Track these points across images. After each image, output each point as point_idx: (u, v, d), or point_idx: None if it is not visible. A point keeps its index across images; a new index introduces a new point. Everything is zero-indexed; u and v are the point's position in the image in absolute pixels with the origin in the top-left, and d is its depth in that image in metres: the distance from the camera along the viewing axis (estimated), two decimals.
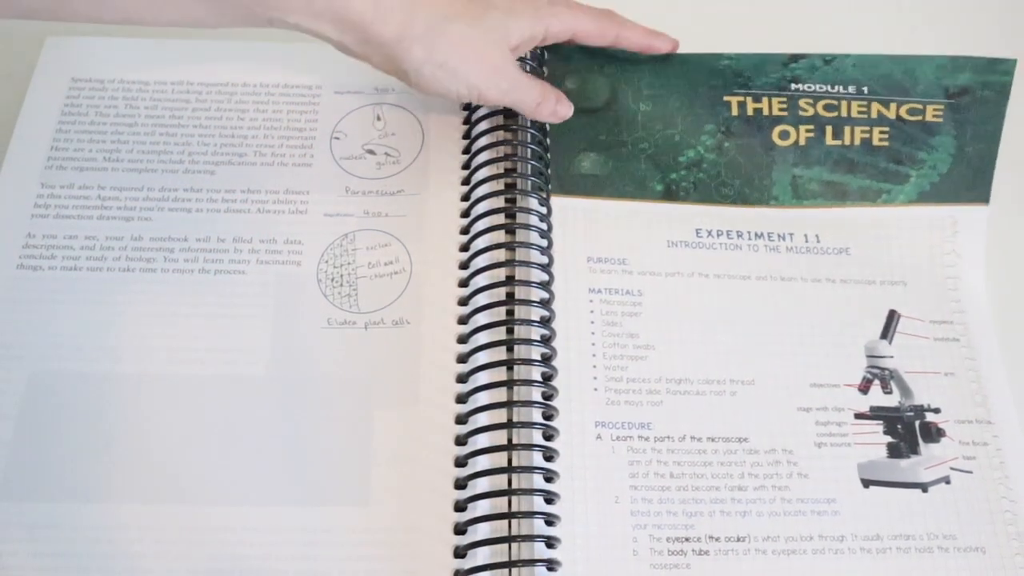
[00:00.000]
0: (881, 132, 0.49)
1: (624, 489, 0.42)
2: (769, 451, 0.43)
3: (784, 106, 0.49)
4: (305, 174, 0.48)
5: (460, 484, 0.41)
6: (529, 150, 0.47)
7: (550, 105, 0.47)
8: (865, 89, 0.50)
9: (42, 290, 0.44)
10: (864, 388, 0.45)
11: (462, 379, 0.43)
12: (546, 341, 0.43)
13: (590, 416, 0.43)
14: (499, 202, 0.47)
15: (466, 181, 0.48)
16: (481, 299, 0.44)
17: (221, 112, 0.50)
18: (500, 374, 0.42)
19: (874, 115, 0.49)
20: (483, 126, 0.48)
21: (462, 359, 0.43)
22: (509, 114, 0.48)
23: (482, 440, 0.41)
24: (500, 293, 0.44)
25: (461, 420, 0.42)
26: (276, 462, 0.41)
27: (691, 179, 0.49)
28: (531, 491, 0.40)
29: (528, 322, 0.43)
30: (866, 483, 0.43)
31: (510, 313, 0.44)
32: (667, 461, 0.42)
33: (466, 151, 0.49)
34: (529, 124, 0.48)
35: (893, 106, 0.49)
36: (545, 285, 0.44)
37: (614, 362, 0.44)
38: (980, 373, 0.46)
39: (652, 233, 0.47)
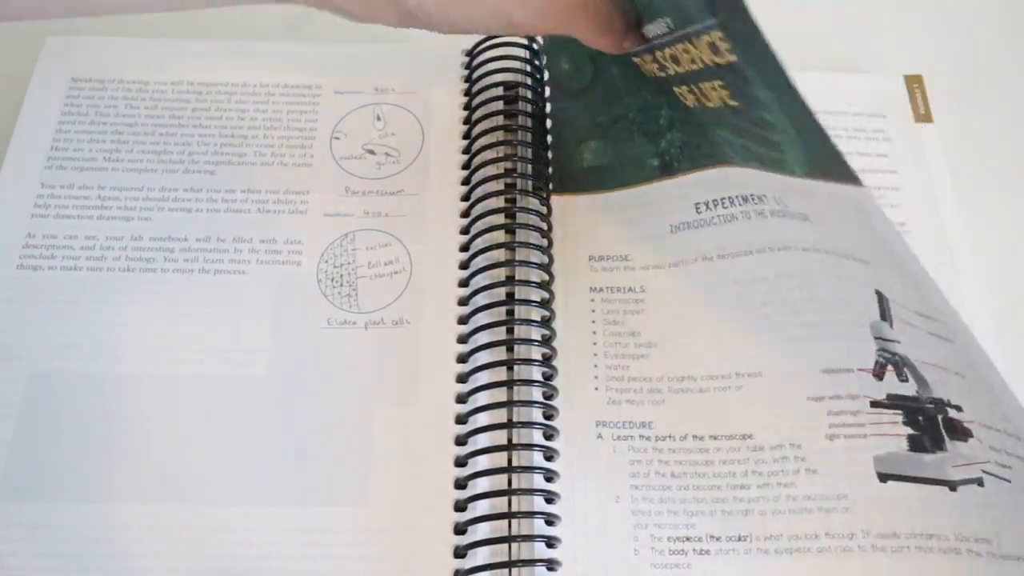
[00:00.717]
0: None
1: (625, 489, 0.41)
2: (775, 447, 0.42)
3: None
4: (305, 174, 0.48)
5: (460, 484, 0.41)
6: (529, 149, 0.47)
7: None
8: None
9: (42, 290, 0.44)
10: (879, 373, 0.41)
11: (462, 379, 0.43)
12: (546, 341, 0.43)
13: (591, 416, 0.43)
14: (499, 202, 0.47)
15: (466, 181, 0.48)
16: (481, 299, 0.44)
17: (221, 112, 0.50)
18: (500, 374, 0.42)
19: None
20: (483, 126, 0.48)
21: (462, 359, 0.43)
22: (509, 114, 0.48)
23: (482, 440, 0.41)
24: (500, 293, 0.44)
25: (461, 420, 0.42)
26: (276, 462, 0.41)
27: (676, 143, 0.46)
28: (531, 491, 0.40)
29: (528, 322, 0.43)
30: (883, 477, 0.40)
31: (510, 313, 0.44)
32: (668, 460, 0.42)
33: (466, 151, 0.49)
34: (529, 124, 0.48)
35: None
36: (545, 285, 0.44)
37: (615, 361, 0.44)
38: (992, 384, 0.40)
39: (654, 220, 0.46)
